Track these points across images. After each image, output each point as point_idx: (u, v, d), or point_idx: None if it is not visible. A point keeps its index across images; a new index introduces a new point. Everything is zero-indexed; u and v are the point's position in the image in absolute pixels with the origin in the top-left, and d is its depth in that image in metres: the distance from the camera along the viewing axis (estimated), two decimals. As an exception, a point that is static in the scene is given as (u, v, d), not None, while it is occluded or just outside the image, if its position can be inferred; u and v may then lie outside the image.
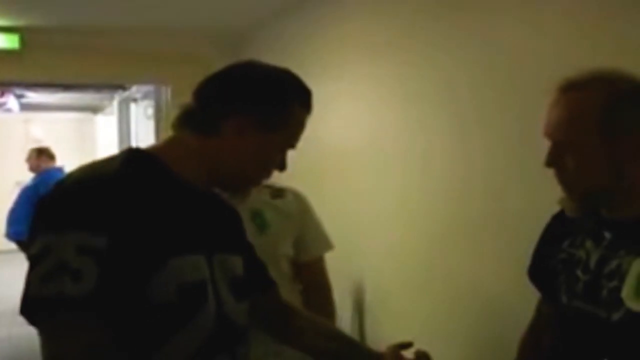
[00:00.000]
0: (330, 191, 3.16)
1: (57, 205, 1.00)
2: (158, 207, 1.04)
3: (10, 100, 7.37)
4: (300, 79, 1.18)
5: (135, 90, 5.94)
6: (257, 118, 1.11)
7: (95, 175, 1.03)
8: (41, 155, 5.27)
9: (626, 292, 1.09)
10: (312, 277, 1.93)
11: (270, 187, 1.86)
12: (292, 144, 1.18)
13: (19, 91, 6.95)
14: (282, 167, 1.18)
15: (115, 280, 0.96)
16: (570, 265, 1.22)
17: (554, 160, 1.16)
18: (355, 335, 2.75)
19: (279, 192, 1.87)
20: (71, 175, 1.06)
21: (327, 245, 1.95)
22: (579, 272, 1.19)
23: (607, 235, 1.16)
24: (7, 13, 3.99)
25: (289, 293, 1.81)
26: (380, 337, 2.66)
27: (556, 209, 1.30)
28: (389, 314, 2.82)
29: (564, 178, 1.17)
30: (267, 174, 1.18)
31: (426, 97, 2.51)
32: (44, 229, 0.97)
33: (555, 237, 1.29)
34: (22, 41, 4.26)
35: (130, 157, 1.10)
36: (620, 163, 1.11)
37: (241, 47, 4.54)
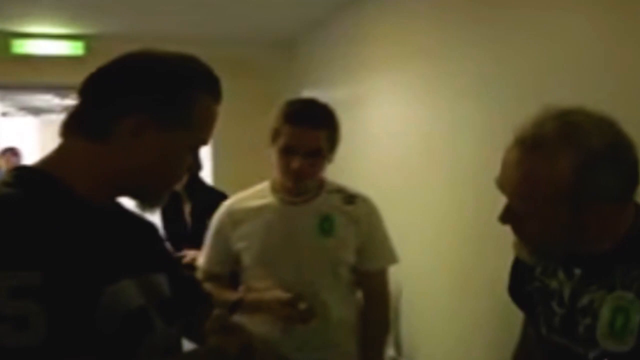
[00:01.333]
0: (371, 188, 3.21)
1: None
2: (73, 234, 0.89)
3: None
4: (205, 64, 1.01)
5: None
6: (155, 116, 0.94)
7: (8, 201, 0.87)
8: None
9: (600, 332, 1.03)
10: (373, 288, 1.88)
11: (342, 191, 1.84)
12: (202, 141, 1.02)
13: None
14: (196, 167, 1.02)
15: (64, 320, 0.81)
16: (546, 296, 1.16)
17: (509, 216, 1.07)
18: (391, 341, 2.69)
19: (351, 198, 1.83)
20: None
21: (392, 258, 1.89)
22: (554, 305, 1.14)
23: (577, 271, 1.10)
24: (73, 22, 4.18)
25: (344, 300, 1.82)
26: (416, 343, 2.61)
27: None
28: (424, 318, 2.76)
29: (520, 235, 1.08)
30: (177, 177, 1.03)
31: (472, 95, 2.48)
32: None
33: (526, 264, 1.21)
34: (87, 48, 4.45)
35: (24, 179, 0.92)
36: (587, 227, 1.01)
37: (293, 50, 4.61)
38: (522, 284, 1.25)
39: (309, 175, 1.73)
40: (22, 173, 0.94)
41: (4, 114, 8.31)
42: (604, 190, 0.99)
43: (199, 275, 1.90)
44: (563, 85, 1.91)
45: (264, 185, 1.85)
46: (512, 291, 1.31)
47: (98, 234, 0.94)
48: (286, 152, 1.69)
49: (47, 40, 4.44)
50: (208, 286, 1.74)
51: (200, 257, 1.94)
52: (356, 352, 1.86)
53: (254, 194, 1.85)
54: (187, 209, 2.99)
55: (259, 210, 1.80)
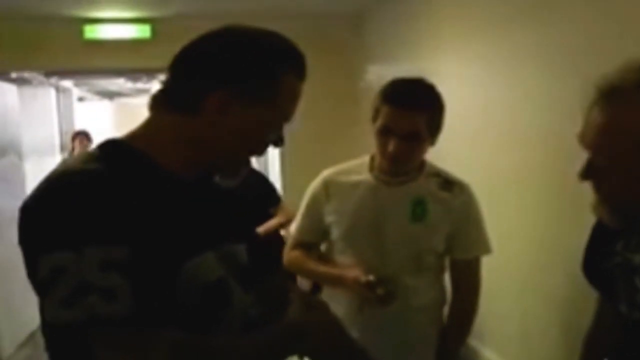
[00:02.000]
0: (439, 163, 3.18)
1: (55, 217, 0.85)
2: (157, 208, 0.92)
3: (155, 85, 7.79)
4: (291, 41, 1.00)
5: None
6: (242, 92, 0.95)
7: (84, 180, 0.88)
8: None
9: None
10: (463, 277, 1.82)
11: (441, 176, 1.78)
12: (286, 118, 1.02)
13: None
14: (278, 143, 1.03)
15: (146, 293, 0.85)
16: (628, 271, 1.09)
17: (591, 171, 1.04)
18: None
19: (448, 185, 1.76)
20: (51, 180, 0.91)
21: (485, 248, 1.80)
22: (637, 281, 1.07)
23: None
24: (139, 5, 4.25)
25: (428, 286, 1.78)
26: (488, 325, 2.54)
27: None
28: (489, 314, 2.69)
29: (602, 191, 1.05)
30: (260, 152, 1.04)
31: (541, 67, 2.38)
32: (47, 246, 0.84)
33: (607, 236, 1.16)
34: (153, 31, 4.53)
35: (109, 153, 0.95)
36: None
37: (362, 24, 4.53)
38: (600, 261, 1.19)
39: (405, 159, 1.68)
40: (107, 147, 0.98)
41: (81, 99, 8.65)
42: None
43: (289, 242, 1.91)
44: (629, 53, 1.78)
45: (364, 160, 1.81)
46: (587, 269, 1.25)
47: (181, 207, 0.97)
48: (384, 133, 1.65)
49: (116, 25, 4.54)
50: (296, 254, 1.81)
51: (292, 225, 1.94)
52: (438, 336, 1.83)
53: (352, 168, 1.81)
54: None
55: (354, 186, 1.76)
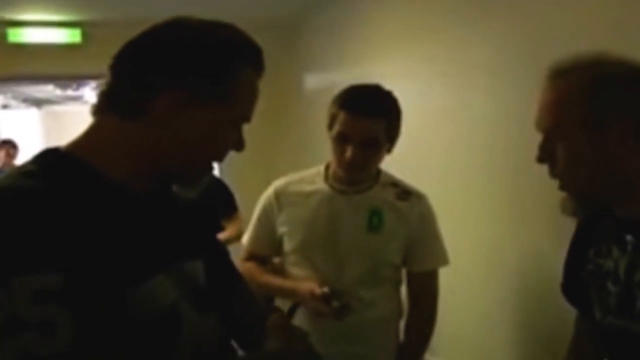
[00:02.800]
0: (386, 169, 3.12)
1: None
2: (100, 228, 0.82)
3: (87, 92, 7.46)
4: (246, 33, 0.92)
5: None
6: (194, 91, 0.86)
7: (12, 200, 0.77)
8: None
9: None
10: (419, 289, 1.79)
11: (397, 185, 1.74)
12: (245, 117, 0.93)
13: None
14: (238, 146, 0.94)
15: (89, 323, 0.76)
16: (600, 277, 1.11)
17: (544, 153, 1.06)
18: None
19: (404, 195, 1.73)
20: None
21: (443, 259, 1.79)
22: (609, 285, 1.08)
23: (630, 238, 1.04)
24: (68, 9, 4.04)
25: (385, 298, 1.76)
26: (435, 353, 2.53)
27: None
28: (444, 325, 2.69)
29: (556, 172, 1.07)
30: (219, 157, 0.95)
31: (484, 72, 2.38)
32: None
33: (580, 246, 1.18)
34: (84, 35, 4.32)
35: (47, 165, 0.85)
36: (611, 156, 0.99)
37: (294, 33, 4.47)
38: (575, 272, 1.19)
39: (363, 166, 1.64)
40: (46, 158, 0.86)
41: (5, 107, 8.21)
42: (620, 111, 0.98)
43: (242, 254, 1.85)
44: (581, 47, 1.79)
45: (317, 170, 1.77)
46: (566, 286, 1.26)
47: (128, 224, 0.86)
48: (340, 140, 1.60)
49: (43, 28, 4.30)
50: (249, 266, 1.74)
51: (244, 236, 1.88)
52: (395, 348, 1.80)
53: (305, 178, 1.77)
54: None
55: (308, 196, 1.72)
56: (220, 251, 1.16)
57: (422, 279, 1.78)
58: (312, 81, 4.34)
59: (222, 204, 3.19)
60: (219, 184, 3.27)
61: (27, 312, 0.72)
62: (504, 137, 2.19)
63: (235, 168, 3.64)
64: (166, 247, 0.92)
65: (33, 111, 9.81)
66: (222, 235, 3.06)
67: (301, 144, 4.24)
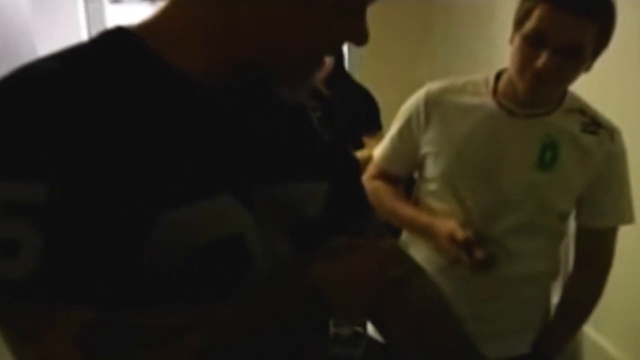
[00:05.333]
0: None
1: None
2: (137, 126, 0.65)
3: None
4: None
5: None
6: None
7: (22, 83, 0.63)
8: None
9: None
10: (593, 246, 1.45)
11: (586, 113, 1.37)
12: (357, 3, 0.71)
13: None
14: (357, 37, 0.73)
15: (71, 252, 0.61)
16: None
17: None
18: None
19: (593, 126, 1.36)
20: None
21: (627, 216, 1.42)
22: None
23: None
24: None
25: (542, 252, 1.44)
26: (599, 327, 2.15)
27: None
28: (612, 298, 2.29)
29: None
30: (321, 52, 0.74)
31: None
32: None
33: None
34: None
35: (97, 45, 0.69)
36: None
37: None
38: None
39: (554, 81, 1.26)
40: (102, 37, 0.70)
41: (115, 1, 8.14)
42: None
43: (371, 168, 1.56)
44: None
45: (484, 78, 1.40)
46: None
47: (189, 125, 0.69)
48: (532, 42, 1.23)
49: None
50: (377, 186, 1.45)
51: (377, 149, 1.57)
52: (542, 316, 1.49)
53: (466, 87, 1.40)
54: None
55: (467, 110, 1.37)
56: (350, 172, 0.93)
57: (596, 237, 1.43)
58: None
59: (364, 117, 2.74)
60: (364, 94, 2.81)
61: None
62: None
63: (368, 79, 3.12)
64: (255, 161, 0.74)
65: (146, 6, 9.77)
66: (358, 154, 2.65)
67: (451, 56, 3.73)
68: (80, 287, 0.61)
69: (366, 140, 2.71)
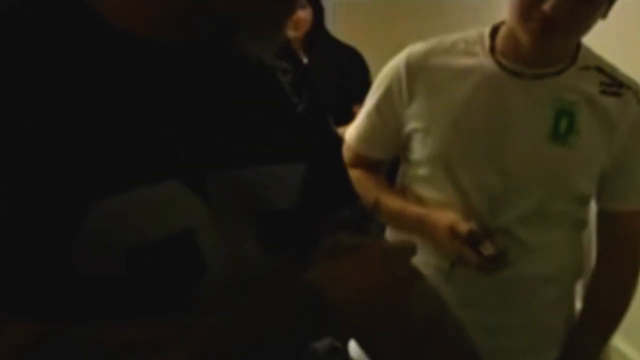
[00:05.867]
0: None
1: None
2: (65, 89, 0.56)
3: None
4: None
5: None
6: None
7: None
8: None
9: None
10: (621, 234, 1.25)
11: (603, 71, 1.18)
12: None
13: None
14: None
15: (4, 255, 0.53)
16: None
17: None
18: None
19: (615, 86, 1.17)
20: None
21: None
22: None
23: None
24: None
25: (563, 245, 1.24)
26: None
27: None
28: None
29: None
30: None
31: None
32: None
33: None
34: None
35: None
36: None
37: None
38: None
39: (565, 29, 1.08)
40: None
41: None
42: None
43: (345, 154, 1.36)
44: None
45: (478, 35, 1.22)
46: None
47: (123, 92, 0.58)
48: None
49: None
50: (356, 176, 1.21)
51: (350, 128, 1.34)
52: (566, 322, 1.29)
53: (458, 46, 1.21)
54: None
55: (460, 74, 1.17)
56: (330, 151, 0.82)
57: (624, 222, 1.23)
58: None
59: (353, 84, 2.43)
60: (350, 56, 2.53)
61: None
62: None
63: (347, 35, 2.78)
64: (202, 137, 0.63)
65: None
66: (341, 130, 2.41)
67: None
68: (22, 297, 0.54)
69: (357, 110, 2.45)
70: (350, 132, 1.32)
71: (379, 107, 1.25)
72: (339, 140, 0.85)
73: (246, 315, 0.57)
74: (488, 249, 1.11)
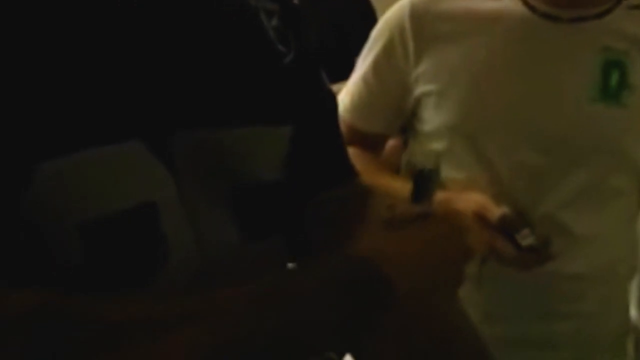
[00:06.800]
0: None
1: None
2: (14, 34, 0.50)
3: None
4: None
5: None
6: None
7: None
8: None
9: None
10: None
11: None
12: None
13: None
14: None
15: None
16: None
17: None
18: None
19: None
20: None
21: None
22: None
23: None
24: None
25: (617, 231, 1.08)
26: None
27: None
28: None
29: None
30: None
31: None
32: None
33: None
34: None
35: None
36: None
37: None
38: None
39: None
40: None
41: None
42: None
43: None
44: None
45: None
46: None
47: (82, 35, 0.53)
48: None
49: None
50: (352, 155, 1.03)
51: (341, 94, 1.17)
52: (623, 326, 1.14)
53: None
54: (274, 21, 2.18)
55: (482, 21, 1.03)
56: (323, 112, 0.72)
57: None
58: None
59: (358, 29, 2.25)
60: (362, 3, 2.28)
61: None
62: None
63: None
64: (168, 89, 0.56)
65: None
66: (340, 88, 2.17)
67: None
68: (18, 268, 0.52)
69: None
70: (343, 100, 1.14)
71: (377, 67, 1.10)
72: (335, 100, 0.73)
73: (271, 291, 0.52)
74: (527, 238, 0.97)
